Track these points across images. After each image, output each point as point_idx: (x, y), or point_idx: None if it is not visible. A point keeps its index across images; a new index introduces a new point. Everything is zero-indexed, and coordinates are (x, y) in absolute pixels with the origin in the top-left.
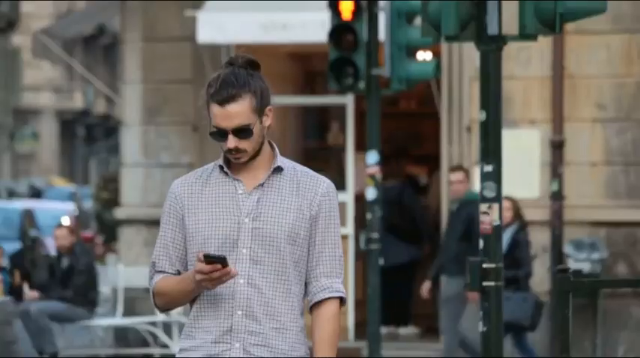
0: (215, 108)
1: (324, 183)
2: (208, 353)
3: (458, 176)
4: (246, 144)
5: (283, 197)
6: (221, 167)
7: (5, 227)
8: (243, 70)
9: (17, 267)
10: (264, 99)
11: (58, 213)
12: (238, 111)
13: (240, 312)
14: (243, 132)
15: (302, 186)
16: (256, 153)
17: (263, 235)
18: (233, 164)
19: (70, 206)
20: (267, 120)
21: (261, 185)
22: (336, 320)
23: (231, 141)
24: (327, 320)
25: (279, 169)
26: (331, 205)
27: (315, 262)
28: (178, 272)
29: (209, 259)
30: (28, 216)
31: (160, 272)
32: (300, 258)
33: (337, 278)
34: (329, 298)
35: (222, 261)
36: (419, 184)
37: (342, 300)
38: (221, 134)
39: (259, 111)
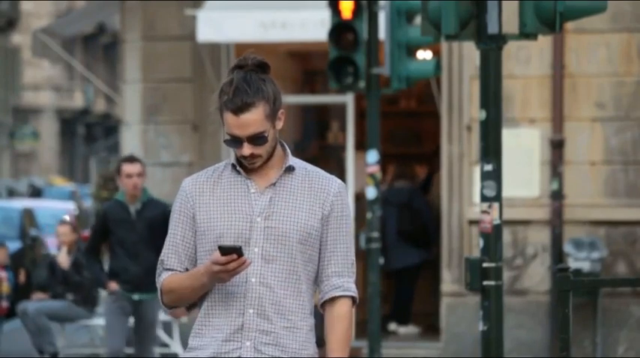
0: (229, 117)
1: (336, 183)
2: (218, 351)
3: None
4: (260, 150)
5: (295, 196)
6: (233, 166)
7: (5, 226)
8: (254, 74)
9: (18, 265)
10: (277, 104)
11: (58, 212)
12: (252, 120)
13: (251, 311)
14: (257, 139)
15: (314, 187)
16: (270, 156)
17: (275, 234)
18: None
19: (70, 205)
20: (280, 124)
21: (273, 184)
22: (348, 319)
23: (246, 149)
24: (340, 320)
25: (290, 169)
26: (343, 205)
27: (326, 261)
28: (187, 271)
29: (224, 250)
30: (28, 215)
31: (169, 269)
32: (311, 258)
33: (349, 277)
34: (340, 296)
35: (237, 251)
36: (430, 184)
37: (353, 300)
38: (236, 141)
39: (272, 116)
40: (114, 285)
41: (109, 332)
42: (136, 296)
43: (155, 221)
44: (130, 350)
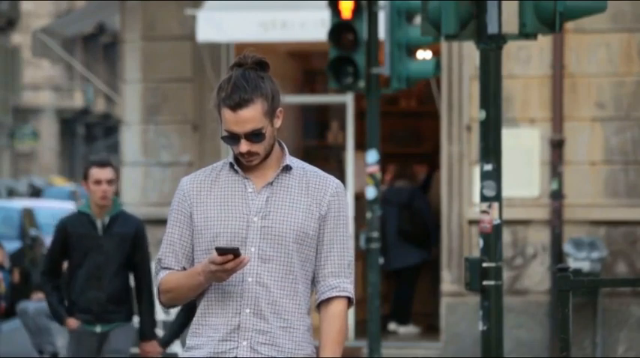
0: (227, 113)
1: (334, 183)
2: (215, 350)
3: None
4: (258, 148)
5: (292, 196)
6: (231, 165)
7: (5, 226)
8: (253, 72)
9: (17, 266)
10: (275, 102)
11: (57, 212)
12: (250, 117)
13: (248, 310)
14: (255, 136)
15: (311, 186)
16: (267, 154)
17: (272, 234)
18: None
19: (70, 205)
20: (278, 122)
21: (270, 184)
22: (342, 319)
23: (244, 146)
24: (334, 319)
25: (287, 168)
26: (340, 205)
27: (323, 262)
28: (184, 269)
29: (222, 251)
30: (28, 215)
31: (166, 268)
32: (308, 258)
33: (346, 278)
34: (336, 297)
35: (234, 252)
36: (430, 183)
37: (350, 301)
38: (233, 138)
39: (270, 114)
40: (73, 323)
41: None
42: (98, 329)
43: (125, 238)
44: None
